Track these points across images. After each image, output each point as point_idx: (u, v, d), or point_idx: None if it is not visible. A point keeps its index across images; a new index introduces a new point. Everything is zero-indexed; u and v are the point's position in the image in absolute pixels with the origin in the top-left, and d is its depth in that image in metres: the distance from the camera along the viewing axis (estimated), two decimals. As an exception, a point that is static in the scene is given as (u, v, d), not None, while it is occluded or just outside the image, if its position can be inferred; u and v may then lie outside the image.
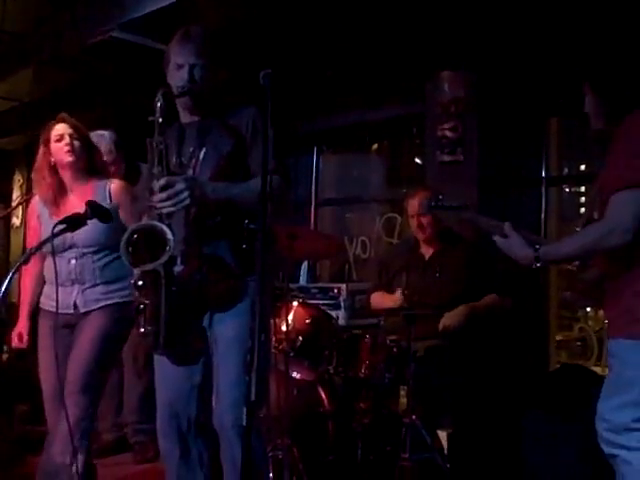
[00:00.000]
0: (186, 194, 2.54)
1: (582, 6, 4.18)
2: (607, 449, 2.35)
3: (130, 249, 2.56)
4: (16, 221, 8.40)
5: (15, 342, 3.53)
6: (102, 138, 4.06)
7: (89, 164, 3.43)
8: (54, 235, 2.71)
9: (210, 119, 2.81)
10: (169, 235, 2.51)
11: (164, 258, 2.52)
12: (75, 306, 3.31)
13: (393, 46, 5.06)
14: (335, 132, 6.59)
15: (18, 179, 8.60)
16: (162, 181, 2.55)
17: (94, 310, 3.30)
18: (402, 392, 3.93)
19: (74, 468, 3.02)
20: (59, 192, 3.39)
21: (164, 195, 2.54)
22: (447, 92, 5.11)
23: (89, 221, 2.88)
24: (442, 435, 3.80)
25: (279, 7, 4.47)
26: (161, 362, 2.80)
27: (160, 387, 2.83)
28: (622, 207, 2.23)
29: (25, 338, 3.49)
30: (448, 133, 5.08)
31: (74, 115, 3.52)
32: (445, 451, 3.76)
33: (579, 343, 5.38)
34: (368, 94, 5.79)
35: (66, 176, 3.40)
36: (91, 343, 3.24)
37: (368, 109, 6.00)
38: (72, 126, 3.41)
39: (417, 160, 6.17)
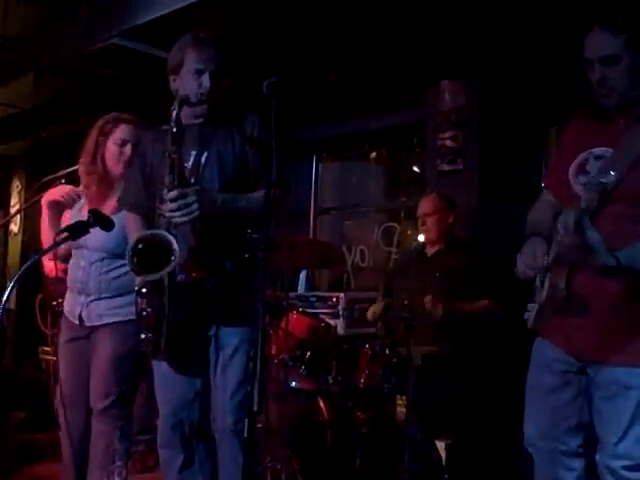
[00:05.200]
0: (196, 206, 2.57)
1: (583, 16, 4.18)
2: None
3: (135, 257, 2.56)
4: (14, 228, 8.38)
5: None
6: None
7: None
8: (56, 244, 2.70)
9: (212, 123, 2.81)
10: (175, 245, 2.52)
11: (169, 268, 2.52)
12: (80, 318, 3.28)
13: (394, 54, 5.06)
14: (335, 140, 6.58)
15: (17, 185, 8.58)
16: (174, 193, 2.57)
17: (99, 327, 3.25)
18: (400, 402, 3.92)
19: None
20: (105, 185, 3.28)
21: (174, 206, 2.56)
22: (448, 101, 5.11)
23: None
24: (441, 446, 3.79)
25: (280, 15, 4.47)
26: (162, 370, 2.81)
27: (162, 396, 2.84)
28: None
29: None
30: (448, 142, 5.07)
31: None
32: (443, 462, 3.75)
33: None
34: (368, 102, 5.78)
35: (113, 173, 3.29)
36: (103, 367, 3.19)
37: (368, 117, 6.01)
38: (138, 135, 3.24)
39: (416, 169, 6.17)
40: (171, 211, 2.58)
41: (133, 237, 2.82)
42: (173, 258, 2.51)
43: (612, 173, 2.04)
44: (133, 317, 3.14)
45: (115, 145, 3.25)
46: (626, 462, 2.27)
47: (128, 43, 4.96)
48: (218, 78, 2.78)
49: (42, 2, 5.12)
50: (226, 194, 2.68)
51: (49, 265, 3.83)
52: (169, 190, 2.60)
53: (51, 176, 3.63)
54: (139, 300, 2.65)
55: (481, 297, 3.96)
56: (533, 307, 2.43)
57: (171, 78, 2.85)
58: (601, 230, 2.17)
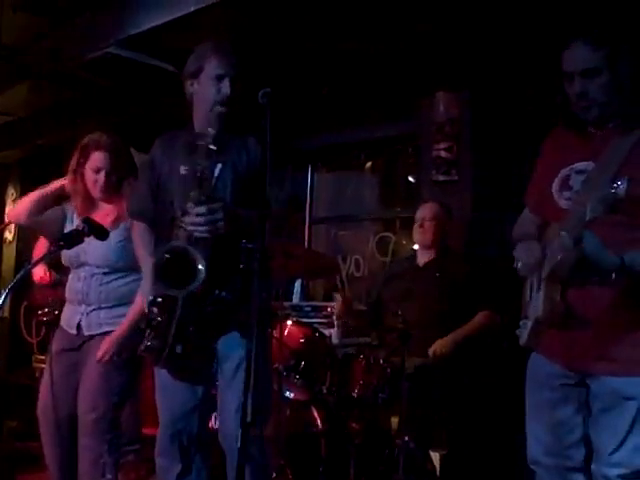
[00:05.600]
0: (222, 223, 2.58)
1: (578, 28, 4.21)
2: None
3: (160, 267, 2.56)
4: (8, 235, 8.36)
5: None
6: None
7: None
8: (50, 252, 2.71)
9: (226, 133, 2.79)
10: (201, 265, 2.52)
11: (192, 287, 2.52)
12: (79, 327, 3.30)
13: (389, 66, 5.08)
14: (330, 150, 6.59)
15: (12, 193, 8.57)
16: (202, 209, 2.56)
17: (96, 336, 3.27)
18: (394, 412, 3.92)
19: None
20: (89, 202, 3.36)
21: (202, 220, 2.56)
22: (442, 112, 5.13)
23: (100, 241, 2.90)
24: (435, 456, 3.79)
25: (275, 26, 4.49)
26: (163, 379, 2.81)
27: (162, 404, 2.84)
28: None
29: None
30: (443, 153, 5.09)
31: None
32: (438, 472, 3.75)
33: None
34: (363, 113, 5.80)
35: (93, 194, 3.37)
36: (97, 376, 3.20)
37: (363, 128, 6.02)
38: (113, 159, 3.32)
39: (411, 179, 6.18)
40: (195, 225, 2.57)
41: (140, 246, 2.86)
42: (197, 279, 2.52)
43: (619, 183, 2.02)
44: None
45: (91, 170, 3.32)
46: (622, 470, 2.27)
47: (124, 52, 4.97)
48: (239, 85, 2.79)
49: (38, 11, 5.12)
50: (243, 210, 2.67)
51: (39, 272, 3.84)
52: (196, 204, 2.59)
53: (45, 185, 3.64)
54: (152, 309, 2.65)
55: (477, 308, 3.97)
56: (525, 323, 2.44)
57: (188, 82, 2.84)
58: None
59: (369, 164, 6.75)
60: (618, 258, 2.16)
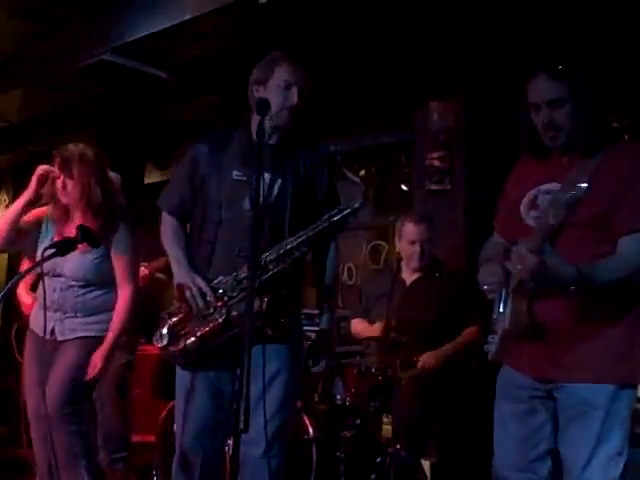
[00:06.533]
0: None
1: (570, 38, 4.25)
2: None
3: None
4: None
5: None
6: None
7: (94, 203, 3.36)
8: (44, 259, 2.72)
9: (287, 145, 2.77)
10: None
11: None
12: (52, 332, 3.35)
13: (383, 74, 5.10)
14: (323, 158, 6.60)
15: (4, 199, 8.56)
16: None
17: (69, 340, 3.35)
18: (386, 420, 3.92)
19: None
20: (63, 215, 3.39)
21: None
22: (436, 121, 5.14)
23: (80, 255, 2.92)
24: (426, 464, 3.80)
25: (271, 35, 4.50)
26: (192, 396, 2.73)
27: (189, 419, 2.74)
28: None
29: None
30: (436, 162, 5.11)
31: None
32: (429, 481, 3.76)
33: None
34: (357, 121, 5.82)
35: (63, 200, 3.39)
36: (65, 374, 3.28)
37: (357, 136, 6.03)
38: (62, 166, 3.33)
39: (405, 188, 6.19)
40: None
41: (170, 240, 2.80)
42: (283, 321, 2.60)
43: (578, 186, 2.12)
44: (104, 334, 3.33)
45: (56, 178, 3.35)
46: None
47: (119, 59, 4.97)
48: (305, 97, 2.74)
49: (32, 18, 5.12)
50: None
51: (26, 301, 3.88)
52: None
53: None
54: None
55: (465, 324, 3.96)
56: (493, 339, 2.49)
57: (254, 88, 2.77)
58: (562, 252, 2.28)
59: (362, 172, 6.76)
60: (575, 269, 2.24)
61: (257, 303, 2.50)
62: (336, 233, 2.81)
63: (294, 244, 2.62)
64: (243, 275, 2.59)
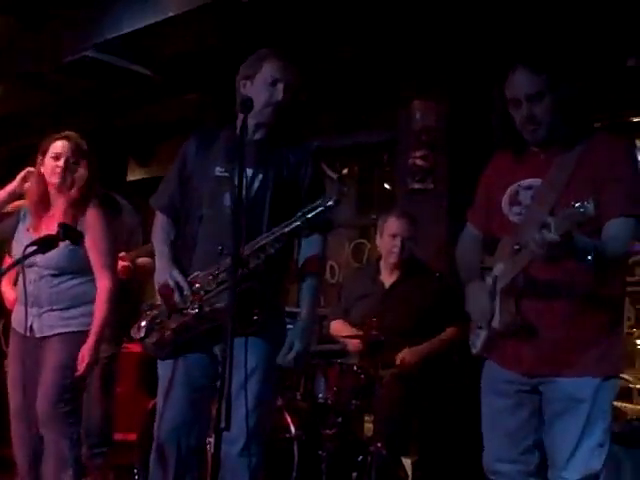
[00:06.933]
0: None
1: (556, 39, 4.27)
2: None
3: None
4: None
5: None
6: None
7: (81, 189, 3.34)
8: (25, 257, 2.70)
9: (271, 142, 2.77)
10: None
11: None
12: (31, 329, 3.30)
13: (366, 73, 5.11)
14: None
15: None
16: None
17: (50, 337, 3.28)
18: (367, 418, 3.93)
19: None
20: (41, 205, 3.35)
21: None
22: (419, 121, 5.16)
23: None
24: (407, 462, 3.81)
25: (251, 32, 4.50)
26: (172, 389, 2.74)
27: (165, 413, 2.75)
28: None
29: None
30: (419, 161, 5.12)
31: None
32: (409, 479, 3.77)
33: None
34: (340, 120, 5.83)
35: (52, 193, 3.36)
36: (52, 376, 3.23)
37: (339, 135, 6.04)
38: (74, 148, 3.33)
39: (387, 186, 6.21)
40: None
41: (158, 238, 2.84)
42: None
43: (587, 203, 2.07)
44: (84, 328, 3.27)
45: (51, 158, 3.31)
46: (579, 475, 2.36)
47: (102, 56, 4.95)
48: (291, 94, 2.73)
49: (14, 13, 5.09)
50: None
51: (10, 297, 3.85)
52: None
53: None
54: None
55: (446, 323, 3.97)
56: (479, 333, 2.53)
57: (241, 84, 2.78)
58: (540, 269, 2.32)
59: (345, 171, 6.77)
60: (590, 241, 2.25)
61: (217, 301, 2.57)
62: (322, 230, 2.79)
63: (268, 240, 2.61)
64: (220, 270, 2.61)
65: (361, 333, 3.82)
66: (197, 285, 2.65)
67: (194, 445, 2.72)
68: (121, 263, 3.90)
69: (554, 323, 2.41)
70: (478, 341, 2.53)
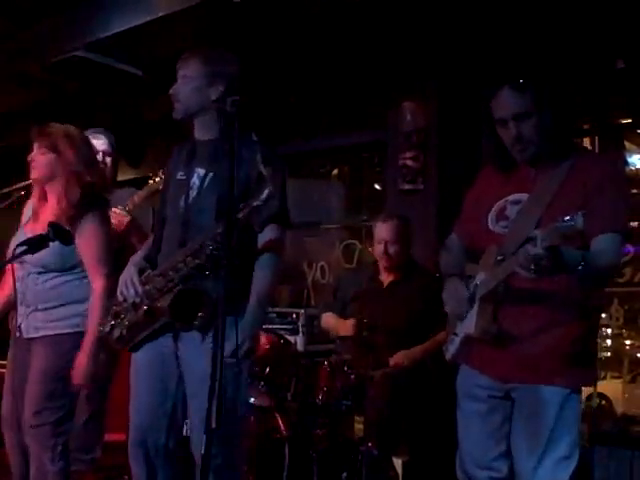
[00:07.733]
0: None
1: (544, 40, 4.29)
2: None
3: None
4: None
5: None
6: (99, 137, 4.05)
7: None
8: (14, 257, 2.68)
9: (223, 141, 2.72)
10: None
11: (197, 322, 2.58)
12: (20, 330, 3.21)
13: (357, 74, 5.11)
14: (296, 157, 6.60)
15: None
16: None
17: (36, 339, 3.17)
18: (358, 419, 3.93)
19: None
20: (39, 201, 3.29)
21: None
22: (409, 122, 5.17)
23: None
24: (397, 463, 3.81)
25: (243, 33, 4.50)
26: (137, 387, 2.77)
27: (133, 411, 2.78)
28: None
29: None
30: (409, 162, 5.13)
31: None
32: (400, 479, 3.77)
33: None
34: (330, 121, 5.83)
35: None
36: (35, 383, 3.11)
37: (330, 135, 6.05)
38: (45, 143, 3.27)
39: (378, 187, 6.22)
40: None
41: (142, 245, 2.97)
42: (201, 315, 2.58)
43: (575, 217, 2.06)
44: (72, 330, 3.15)
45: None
46: None
47: (92, 56, 4.94)
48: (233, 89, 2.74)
49: (3, 13, 5.07)
50: None
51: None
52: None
53: (6, 189, 3.65)
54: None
55: (439, 326, 3.96)
56: (453, 339, 2.57)
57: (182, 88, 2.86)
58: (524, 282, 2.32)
59: (335, 172, 6.79)
60: (579, 253, 2.25)
61: (165, 300, 2.61)
62: (274, 222, 2.76)
63: (206, 239, 2.60)
64: (170, 268, 2.67)
65: (352, 332, 3.83)
66: (149, 285, 2.71)
67: (163, 444, 2.71)
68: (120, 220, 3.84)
69: (530, 331, 2.43)
70: (452, 347, 2.57)
